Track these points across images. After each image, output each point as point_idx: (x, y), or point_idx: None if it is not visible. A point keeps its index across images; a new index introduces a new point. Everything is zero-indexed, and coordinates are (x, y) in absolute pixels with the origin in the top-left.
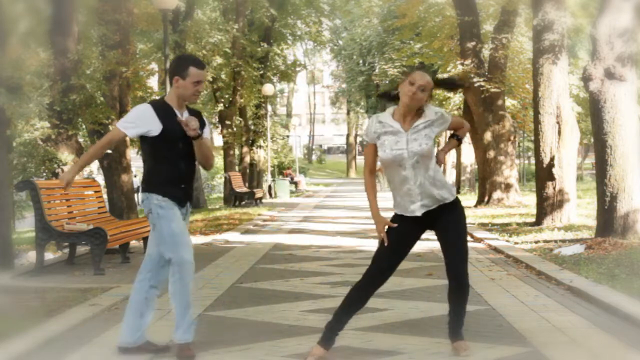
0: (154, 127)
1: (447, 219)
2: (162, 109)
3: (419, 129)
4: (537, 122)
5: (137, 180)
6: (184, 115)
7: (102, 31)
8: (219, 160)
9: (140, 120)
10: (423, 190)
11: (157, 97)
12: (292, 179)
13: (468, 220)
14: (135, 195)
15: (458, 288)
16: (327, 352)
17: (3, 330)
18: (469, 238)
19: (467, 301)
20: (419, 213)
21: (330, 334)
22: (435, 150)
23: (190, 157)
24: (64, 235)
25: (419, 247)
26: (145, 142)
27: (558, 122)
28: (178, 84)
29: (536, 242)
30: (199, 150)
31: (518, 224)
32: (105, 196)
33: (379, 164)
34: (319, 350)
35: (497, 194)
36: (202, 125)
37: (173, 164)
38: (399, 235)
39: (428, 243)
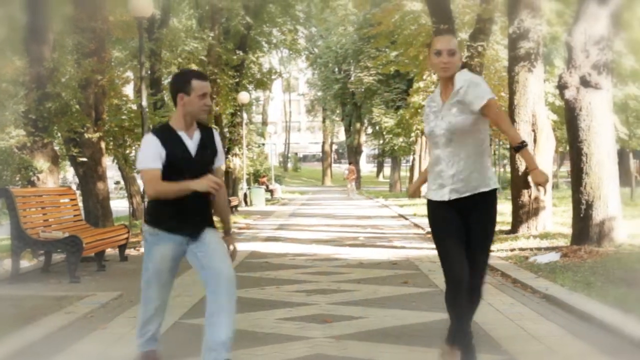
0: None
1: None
2: (166, 135)
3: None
4: None
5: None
6: (194, 136)
7: (77, 39)
8: None
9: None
10: (456, 173)
11: (133, 106)
12: (267, 187)
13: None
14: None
15: (469, 296)
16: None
17: None
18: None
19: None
20: (447, 197)
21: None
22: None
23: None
24: (39, 243)
25: (393, 254)
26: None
27: (534, 130)
28: (183, 101)
29: (512, 250)
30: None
31: None
32: (80, 204)
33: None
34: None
35: None
36: (214, 151)
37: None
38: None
39: (403, 251)
